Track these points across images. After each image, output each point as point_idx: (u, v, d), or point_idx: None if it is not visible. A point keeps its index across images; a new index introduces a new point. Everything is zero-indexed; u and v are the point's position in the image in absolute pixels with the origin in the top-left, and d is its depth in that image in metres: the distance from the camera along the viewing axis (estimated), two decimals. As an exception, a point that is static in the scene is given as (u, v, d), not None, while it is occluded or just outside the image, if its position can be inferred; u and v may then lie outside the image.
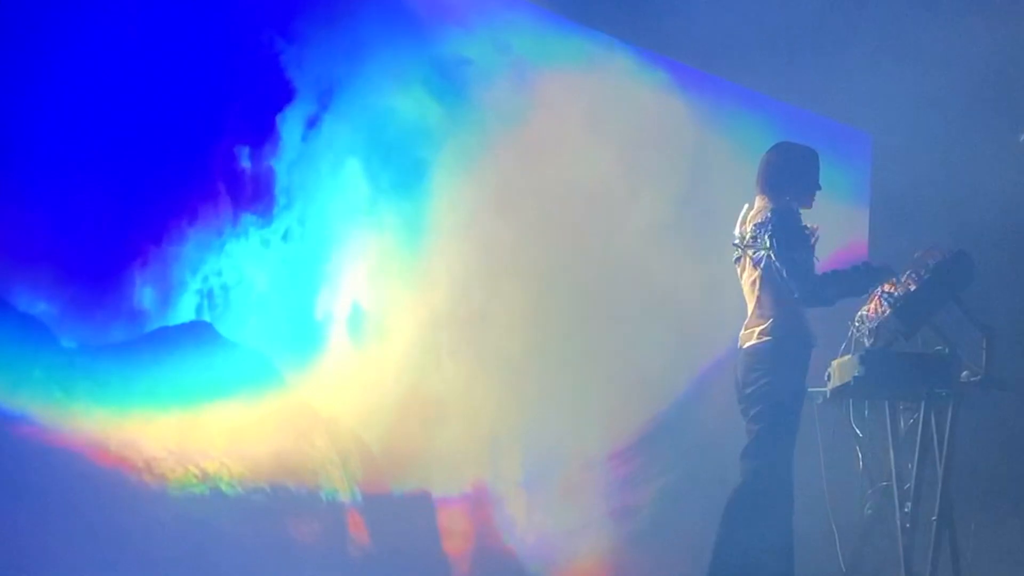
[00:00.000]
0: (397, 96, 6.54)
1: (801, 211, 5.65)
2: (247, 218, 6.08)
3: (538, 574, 6.98)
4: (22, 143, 5.42)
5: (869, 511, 5.89)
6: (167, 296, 5.82)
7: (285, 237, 6.20)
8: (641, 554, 7.28)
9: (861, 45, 7.64)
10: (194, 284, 5.90)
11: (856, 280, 5.58)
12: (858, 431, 5.84)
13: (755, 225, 5.57)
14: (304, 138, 6.27)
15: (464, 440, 6.73)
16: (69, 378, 5.48)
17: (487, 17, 6.93)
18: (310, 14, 6.30)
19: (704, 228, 7.05)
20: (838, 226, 7.29)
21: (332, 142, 6.36)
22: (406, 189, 6.57)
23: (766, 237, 5.50)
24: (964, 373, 5.54)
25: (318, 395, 6.24)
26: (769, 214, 5.54)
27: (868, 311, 5.65)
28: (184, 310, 5.87)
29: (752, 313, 5.62)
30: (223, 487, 5.84)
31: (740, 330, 5.68)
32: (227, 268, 6.00)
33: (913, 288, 5.49)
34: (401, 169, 6.57)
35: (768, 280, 5.55)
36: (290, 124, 6.23)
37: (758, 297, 5.59)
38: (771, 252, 5.48)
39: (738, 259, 5.71)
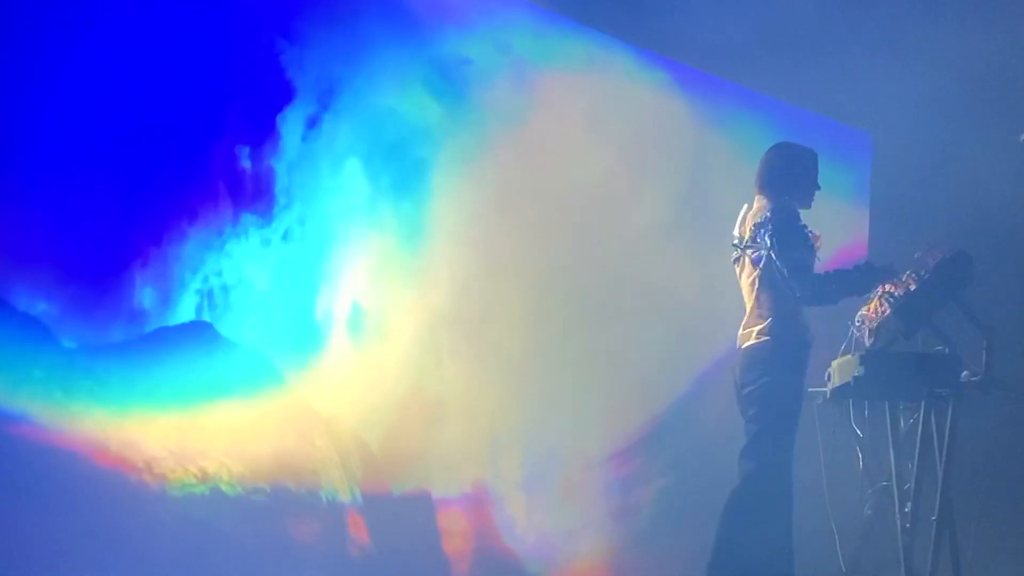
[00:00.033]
0: (397, 96, 6.54)
1: (801, 212, 5.65)
2: (247, 218, 6.08)
3: (538, 574, 6.98)
4: (22, 143, 5.42)
5: (869, 511, 5.89)
6: (167, 296, 5.82)
7: (285, 237, 6.20)
8: (641, 554, 7.28)
9: (861, 45, 7.64)
10: (194, 284, 5.90)
11: (858, 280, 5.58)
12: (858, 431, 5.84)
13: (754, 225, 5.58)
14: (304, 138, 6.27)
15: (464, 440, 6.73)
16: (69, 378, 5.48)
17: (487, 17, 6.93)
18: (310, 14, 6.30)
19: (704, 228, 7.05)
20: (838, 226, 7.30)
21: (332, 142, 6.36)
22: (406, 189, 6.57)
23: (766, 237, 5.51)
24: (964, 373, 5.54)
25: (318, 395, 6.24)
26: (768, 214, 5.55)
27: (868, 311, 5.65)
28: (184, 310, 5.87)
29: (750, 313, 5.62)
30: (223, 487, 5.84)
31: (739, 330, 5.69)
32: (227, 268, 6.00)
33: (913, 288, 5.49)
34: (401, 169, 6.57)
35: (767, 280, 5.55)
36: (290, 124, 6.23)
37: (757, 297, 5.59)
38: (771, 252, 5.48)
39: (737, 259, 5.72)
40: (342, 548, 6.23)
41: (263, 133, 6.14)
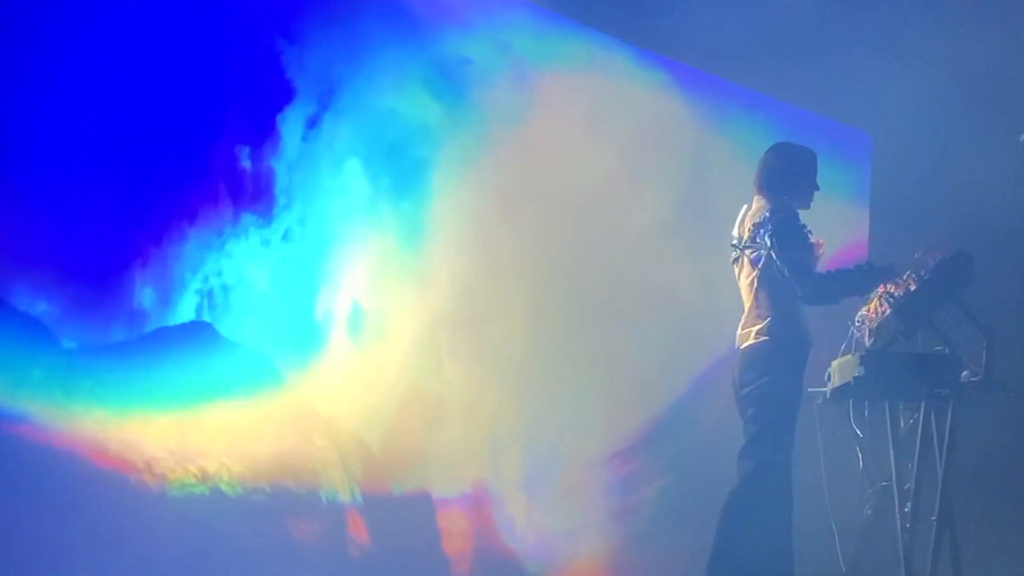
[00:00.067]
0: (397, 96, 6.54)
1: (801, 212, 5.65)
2: (247, 218, 6.08)
3: (538, 574, 6.98)
4: (22, 143, 5.42)
5: (869, 511, 5.89)
6: (167, 296, 5.82)
7: (285, 237, 6.20)
8: (641, 554, 7.28)
9: (861, 45, 7.64)
10: (194, 284, 5.90)
11: (859, 279, 5.59)
12: (858, 431, 5.84)
13: (753, 225, 5.58)
14: (304, 138, 6.27)
15: (464, 440, 6.73)
16: (69, 378, 5.48)
17: (487, 17, 6.93)
18: (310, 14, 6.30)
19: (704, 228, 7.04)
20: (838, 226, 7.30)
21: (332, 142, 6.36)
22: (406, 189, 6.57)
23: (766, 237, 5.51)
24: (964, 373, 5.54)
25: (318, 395, 6.24)
26: (768, 214, 5.55)
27: (868, 311, 5.65)
28: (184, 310, 5.87)
29: (749, 313, 5.63)
30: (223, 487, 5.84)
31: (738, 330, 5.69)
32: (227, 268, 6.00)
33: (913, 288, 5.50)
34: (401, 169, 6.57)
35: (765, 280, 5.55)
36: (290, 124, 6.23)
37: (755, 297, 5.59)
38: (772, 252, 5.48)
39: (736, 259, 5.72)
40: (342, 548, 6.23)
41: (263, 133, 6.14)
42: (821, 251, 5.62)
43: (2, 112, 5.35)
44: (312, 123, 6.29)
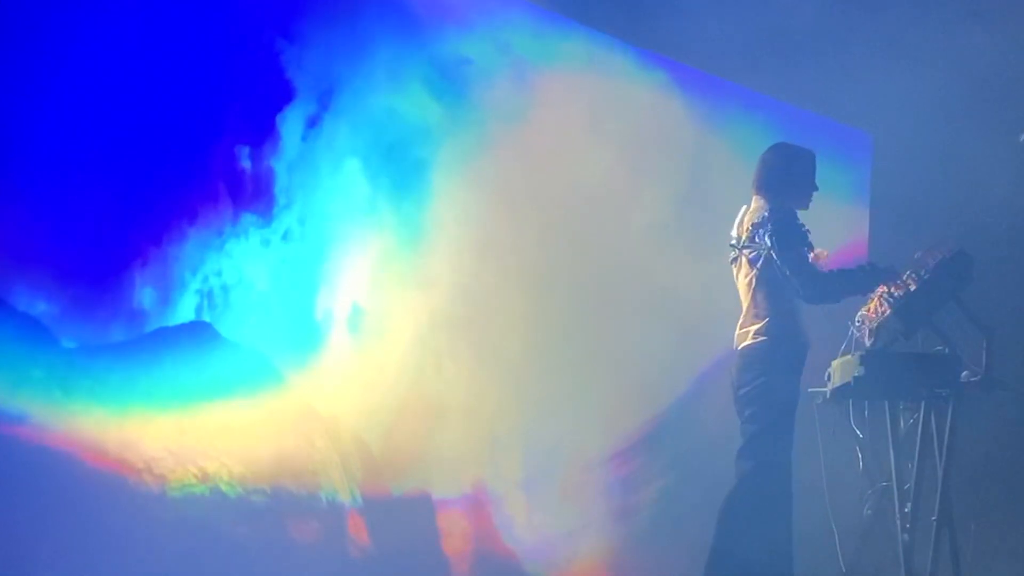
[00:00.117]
0: (397, 96, 6.54)
1: (800, 212, 5.65)
2: (247, 218, 6.08)
3: (538, 575, 6.98)
4: (22, 143, 5.42)
5: (869, 511, 5.89)
6: (167, 296, 5.82)
7: (285, 237, 6.20)
8: (641, 554, 7.27)
9: (861, 45, 7.64)
10: (194, 284, 5.90)
11: (860, 279, 5.58)
12: (858, 431, 5.84)
13: (752, 225, 5.57)
14: (304, 138, 6.27)
15: (464, 441, 6.73)
16: (69, 378, 5.48)
17: (487, 17, 6.93)
18: (310, 14, 6.30)
19: (704, 228, 7.04)
20: (838, 226, 7.30)
21: (332, 142, 6.36)
22: (406, 189, 6.57)
23: (766, 237, 5.51)
24: (964, 373, 5.53)
25: (318, 395, 6.24)
26: (767, 214, 5.54)
27: (868, 311, 5.65)
28: (184, 310, 5.87)
29: (747, 313, 5.62)
30: (223, 487, 5.83)
31: (736, 330, 5.69)
32: (227, 268, 6.00)
33: (913, 288, 5.49)
34: (401, 169, 6.57)
35: (764, 280, 5.55)
36: (290, 124, 6.23)
37: (753, 297, 5.59)
38: (772, 251, 5.48)
39: (735, 259, 5.72)
40: (342, 548, 6.23)
41: (263, 133, 6.14)
42: (823, 261, 5.60)
43: (2, 112, 5.35)
44: (312, 123, 6.29)
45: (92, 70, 5.57)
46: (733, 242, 5.69)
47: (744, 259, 5.63)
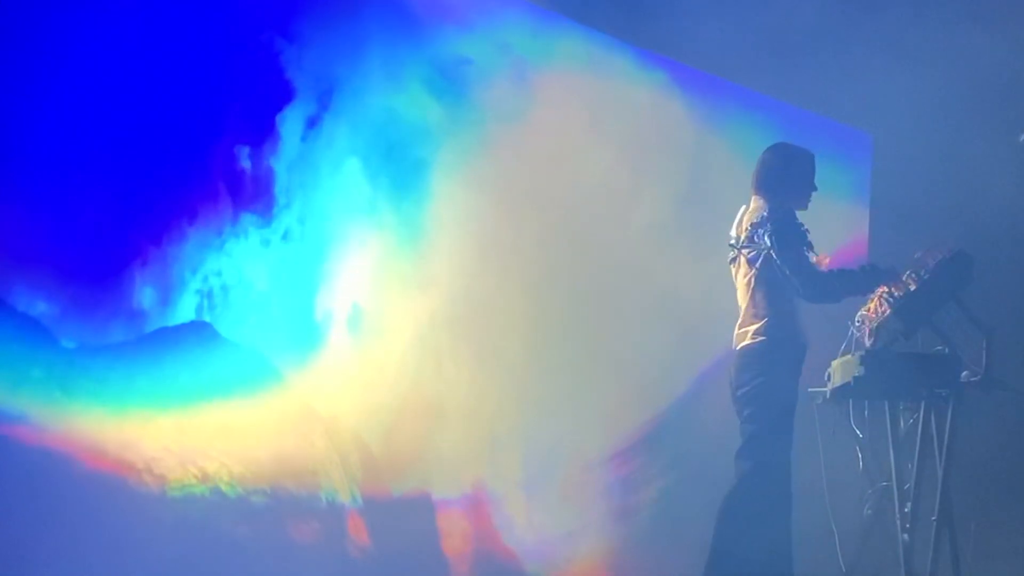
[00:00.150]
0: (397, 96, 6.55)
1: (800, 212, 5.65)
2: (247, 218, 6.08)
3: (538, 575, 6.98)
4: (22, 143, 5.42)
5: (869, 511, 5.88)
6: (167, 296, 5.82)
7: (285, 237, 6.20)
8: (641, 554, 7.27)
9: (861, 45, 7.64)
10: (194, 284, 5.90)
11: (861, 280, 5.58)
12: (858, 431, 5.83)
13: (751, 225, 5.57)
14: (304, 138, 6.27)
15: (464, 441, 6.73)
16: (69, 378, 5.48)
17: (487, 17, 6.93)
18: (310, 14, 6.30)
19: (704, 228, 7.04)
20: (838, 226, 7.30)
21: (332, 142, 6.36)
22: (406, 189, 6.57)
23: (765, 237, 5.50)
24: (964, 373, 5.53)
25: (318, 395, 6.24)
26: (766, 213, 5.54)
27: (868, 311, 5.64)
28: (184, 310, 5.87)
29: (746, 313, 5.62)
30: (223, 487, 5.83)
31: (734, 330, 5.68)
32: (227, 268, 6.00)
33: (913, 288, 5.49)
34: (401, 169, 6.57)
35: (762, 280, 5.55)
36: (290, 124, 6.23)
37: (752, 297, 5.58)
38: (772, 251, 5.48)
39: (733, 259, 5.72)
40: (342, 549, 6.23)
41: (263, 133, 6.14)
42: (823, 266, 5.60)
43: (2, 112, 5.35)
44: (312, 123, 6.29)
45: (92, 70, 5.57)
46: (732, 242, 5.69)
47: (743, 259, 5.63)
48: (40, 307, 5.43)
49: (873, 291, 5.61)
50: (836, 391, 5.71)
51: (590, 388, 7.16)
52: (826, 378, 5.77)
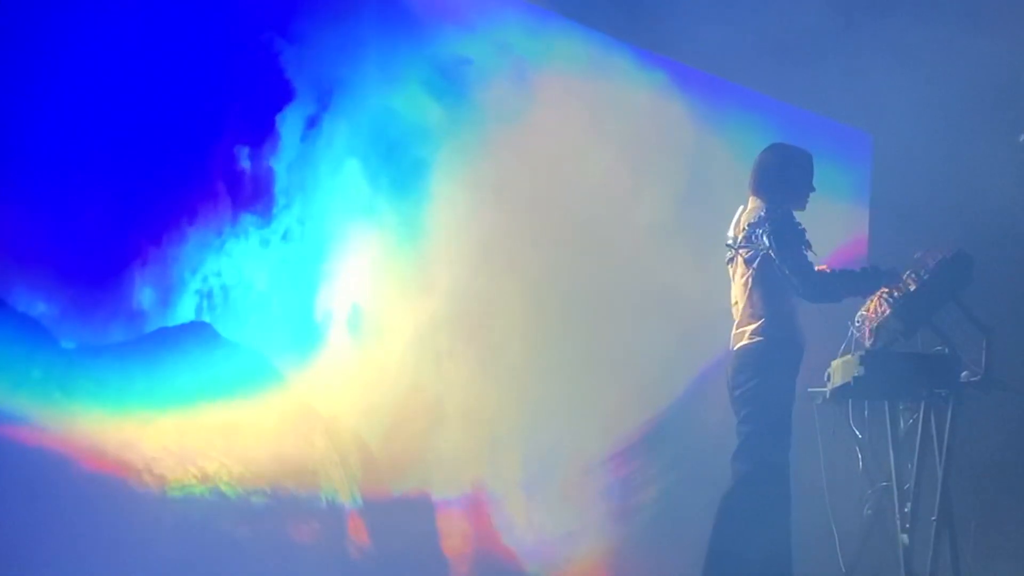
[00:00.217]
0: (397, 96, 6.55)
1: (799, 213, 5.65)
2: (247, 218, 6.08)
3: (537, 575, 6.97)
4: (22, 143, 5.42)
5: (869, 511, 5.88)
6: (167, 296, 5.82)
7: (285, 237, 6.20)
8: (641, 555, 7.27)
9: (861, 45, 7.64)
10: (194, 284, 5.90)
11: (861, 280, 5.58)
12: (858, 431, 5.83)
13: (749, 225, 5.57)
14: (304, 138, 6.27)
15: (464, 441, 6.73)
16: (68, 379, 5.48)
17: (487, 17, 6.93)
18: (310, 14, 6.30)
19: (704, 228, 7.03)
20: (838, 226, 7.30)
21: (332, 142, 6.36)
22: (406, 189, 6.57)
23: (764, 237, 5.50)
24: (964, 373, 5.53)
25: (318, 395, 6.23)
26: (763, 213, 5.54)
27: (868, 311, 5.64)
28: (184, 310, 5.87)
29: (743, 313, 5.61)
30: (223, 488, 5.83)
31: (732, 331, 5.68)
32: (227, 268, 6.00)
33: (913, 288, 5.49)
34: (400, 169, 6.57)
35: (760, 280, 5.54)
36: (290, 124, 6.23)
37: (749, 297, 5.58)
38: (771, 250, 5.47)
39: (731, 260, 5.71)
40: (342, 549, 6.23)
41: (263, 133, 6.14)
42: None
43: (2, 112, 5.35)
44: (311, 123, 6.29)
45: (92, 70, 5.57)
46: (729, 242, 5.69)
47: (740, 259, 5.63)
48: (40, 308, 5.43)
49: (873, 292, 5.61)
50: (836, 391, 5.71)
51: (590, 388, 7.16)
52: (826, 378, 5.77)
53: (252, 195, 6.10)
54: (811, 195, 5.73)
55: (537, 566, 6.97)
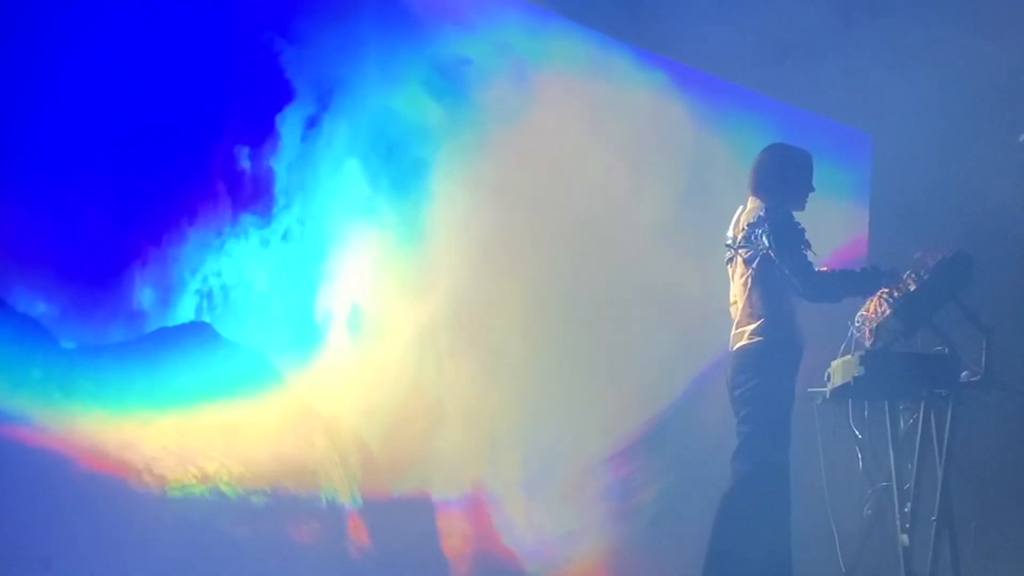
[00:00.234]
0: (397, 96, 6.55)
1: (798, 213, 5.65)
2: (247, 218, 6.08)
3: (537, 575, 6.97)
4: (22, 143, 5.42)
5: (869, 511, 5.88)
6: (167, 296, 5.82)
7: (285, 237, 6.20)
8: (641, 555, 7.27)
9: (861, 45, 7.64)
10: (194, 284, 5.90)
11: (862, 280, 5.58)
12: (858, 431, 5.83)
13: (748, 224, 5.57)
14: (304, 138, 6.27)
15: (464, 441, 6.73)
16: (68, 379, 5.48)
17: (487, 17, 6.93)
18: (310, 14, 6.30)
19: (704, 228, 7.04)
20: (838, 226, 7.30)
21: (332, 142, 6.36)
22: (405, 189, 6.57)
23: (763, 237, 5.50)
24: (964, 373, 5.53)
25: (318, 395, 6.23)
26: (763, 213, 5.54)
27: (868, 311, 5.64)
28: (184, 310, 5.87)
29: (743, 313, 5.61)
30: (223, 488, 5.83)
31: (731, 331, 5.68)
32: (227, 268, 6.00)
33: (913, 288, 5.49)
34: (400, 169, 6.57)
35: (759, 280, 5.54)
36: (290, 124, 6.23)
37: (749, 297, 5.58)
38: (771, 250, 5.47)
39: (730, 260, 5.71)
40: (342, 549, 6.23)
41: (263, 133, 6.14)
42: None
43: (2, 112, 5.35)
44: (311, 123, 6.29)
45: (92, 70, 5.57)
46: (728, 243, 5.69)
47: (740, 259, 5.63)
48: (40, 308, 5.43)
49: (873, 292, 5.61)
50: (836, 391, 5.71)
51: (590, 388, 7.16)
52: (826, 378, 5.77)
53: (252, 195, 6.10)
54: (811, 195, 5.73)
55: (537, 566, 6.97)
